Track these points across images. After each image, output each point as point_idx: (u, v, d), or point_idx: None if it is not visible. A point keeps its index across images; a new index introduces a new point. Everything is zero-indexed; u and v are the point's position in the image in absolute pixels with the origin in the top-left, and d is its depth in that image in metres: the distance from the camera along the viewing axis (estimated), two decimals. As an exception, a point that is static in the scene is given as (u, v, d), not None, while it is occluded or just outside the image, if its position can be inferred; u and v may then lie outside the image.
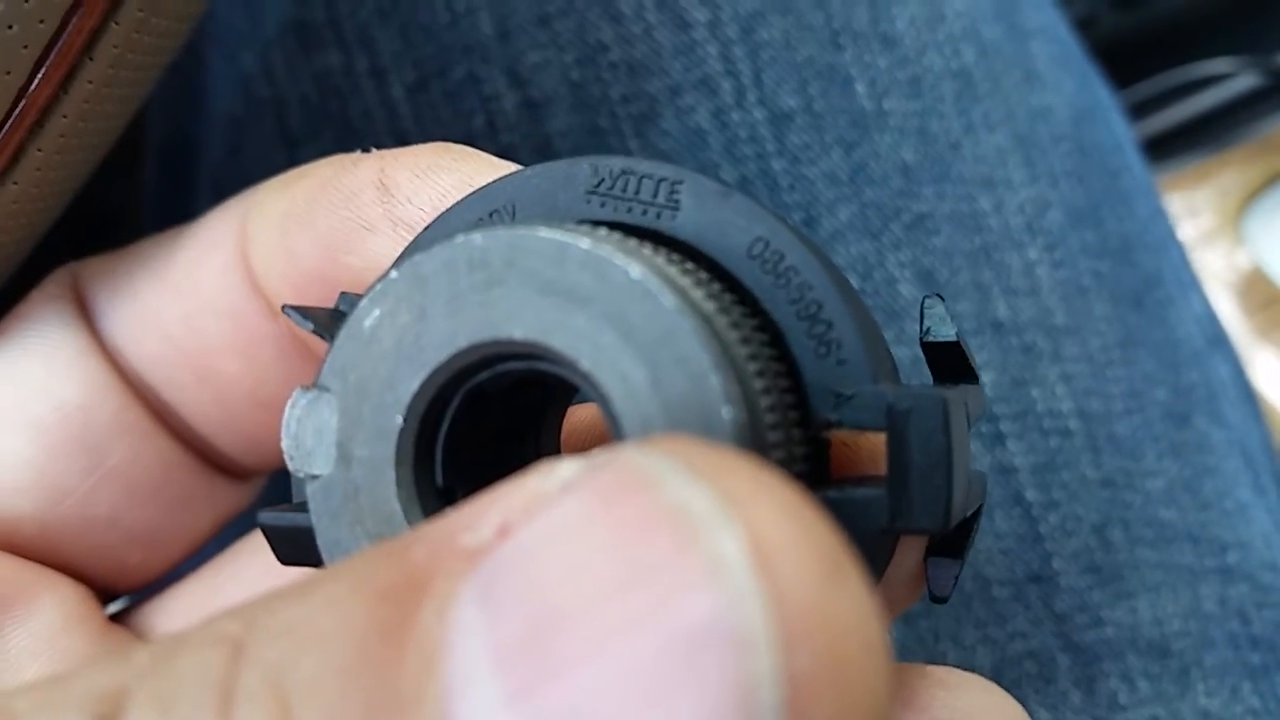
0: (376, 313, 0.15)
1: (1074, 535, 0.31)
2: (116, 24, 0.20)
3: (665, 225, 0.16)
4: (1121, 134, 0.38)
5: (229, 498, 0.24)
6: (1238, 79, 0.68)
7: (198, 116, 0.38)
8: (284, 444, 0.15)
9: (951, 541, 0.17)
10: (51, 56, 0.19)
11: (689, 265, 0.16)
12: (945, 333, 0.17)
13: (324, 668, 0.11)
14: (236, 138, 0.35)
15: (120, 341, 0.22)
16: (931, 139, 0.33)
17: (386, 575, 0.11)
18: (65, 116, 0.20)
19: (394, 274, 0.15)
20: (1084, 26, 0.39)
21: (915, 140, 0.32)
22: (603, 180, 0.17)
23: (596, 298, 0.14)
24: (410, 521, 0.15)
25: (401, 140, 0.33)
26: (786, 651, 0.10)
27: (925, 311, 0.17)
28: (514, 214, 0.17)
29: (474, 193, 0.17)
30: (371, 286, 0.15)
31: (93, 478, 0.22)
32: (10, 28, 0.19)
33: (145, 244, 0.23)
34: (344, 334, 0.15)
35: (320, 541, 0.15)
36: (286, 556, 0.17)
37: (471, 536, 0.12)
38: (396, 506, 0.15)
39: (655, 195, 0.16)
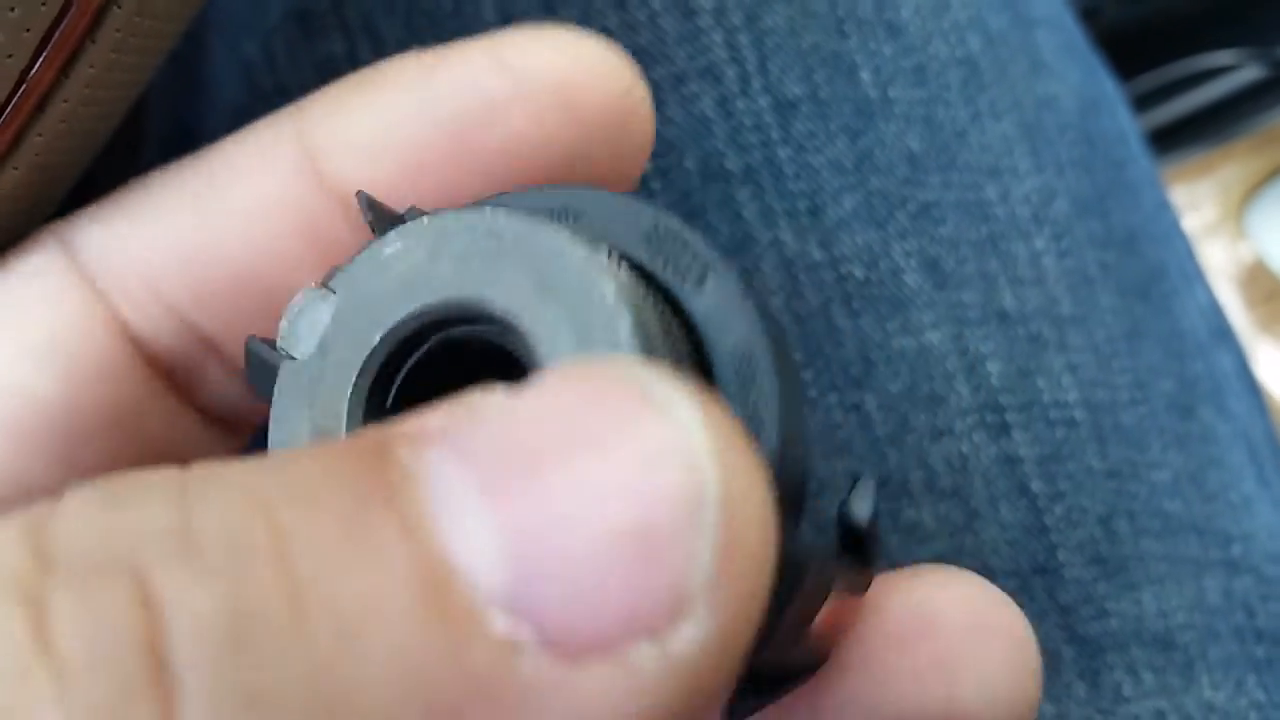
0: (399, 244, 0.17)
1: (1079, 526, 0.31)
2: (119, 7, 0.20)
3: (684, 295, 0.18)
4: (1127, 125, 0.38)
5: (219, 444, 0.24)
6: (1241, 71, 0.68)
7: (200, 106, 0.38)
8: (280, 324, 0.17)
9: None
10: (54, 40, 0.19)
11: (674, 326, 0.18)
12: (860, 514, 0.19)
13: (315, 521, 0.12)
14: (238, 126, 0.35)
15: (158, 284, 0.21)
16: (937, 127, 0.32)
17: (356, 455, 0.13)
18: (66, 101, 0.20)
19: (425, 219, 0.17)
20: (1087, 18, 0.39)
21: (921, 128, 0.32)
22: (656, 229, 0.18)
23: (570, 300, 0.16)
24: (349, 425, 0.17)
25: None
26: (725, 474, 0.12)
27: (855, 488, 0.19)
28: (570, 219, 0.19)
29: (552, 188, 0.19)
30: (408, 222, 0.17)
31: (82, 416, 0.21)
32: (12, 10, 0.19)
33: (156, 176, 0.22)
34: (366, 251, 0.17)
35: (273, 410, 0.17)
36: (252, 380, 0.18)
37: (414, 427, 0.13)
38: (344, 408, 0.17)
39: (689, 268, 0.18)
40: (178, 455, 0.22)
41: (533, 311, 0.16)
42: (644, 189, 0.31)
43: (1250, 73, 0.68)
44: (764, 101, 0.31)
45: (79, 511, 0.12)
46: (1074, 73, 0.36)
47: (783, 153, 0.31)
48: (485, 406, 0.13)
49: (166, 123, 0.39)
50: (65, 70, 0.20)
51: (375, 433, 0.13)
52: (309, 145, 0.21)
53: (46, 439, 0.20)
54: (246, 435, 0.24)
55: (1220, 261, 0.66)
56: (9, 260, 0.22)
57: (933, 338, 0.31)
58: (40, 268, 0.21)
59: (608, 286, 0.16)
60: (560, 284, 0.16)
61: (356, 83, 0.21)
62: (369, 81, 0.21)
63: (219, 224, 0.21)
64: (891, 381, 0.30)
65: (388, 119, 0.20)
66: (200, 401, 0.22)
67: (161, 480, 0.13)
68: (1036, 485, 0.31)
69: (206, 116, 0.37)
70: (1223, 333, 0.38)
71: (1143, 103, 0.67)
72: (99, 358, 0.21)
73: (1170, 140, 0.67)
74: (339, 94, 0.21)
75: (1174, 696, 0.30)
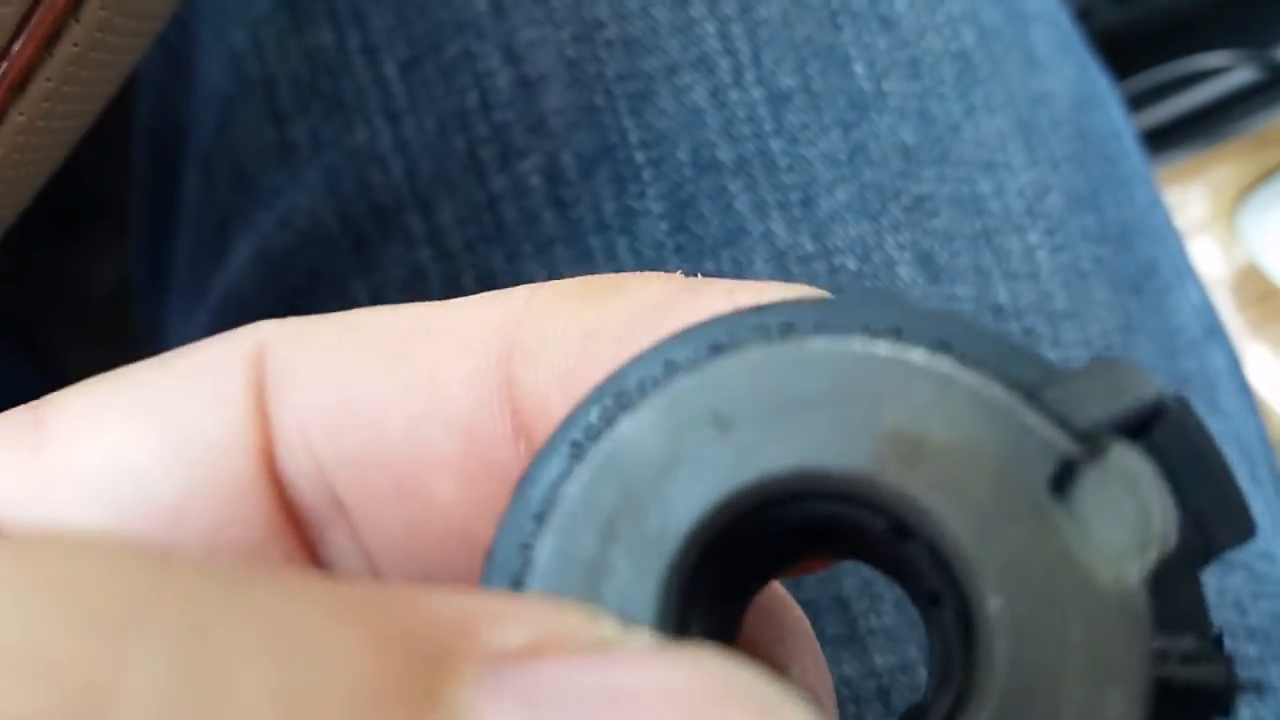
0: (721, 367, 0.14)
1: None
2: (102, -16, 0.19)
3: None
4: (1120, 122, 0.38)
5: None
6: (1234, 73, 0.68)
7: (187, 97, 0.37)
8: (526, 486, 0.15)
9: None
10: (35, 15, 0.19)
11: None
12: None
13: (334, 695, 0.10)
14: (225, 116, 0.35)
15: (310, 427, 0.18)
16: (931, 121, 0.32)
17: (405, 624, 0.11)
18: (49, 79, 0.20)
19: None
20: (1080, 19, 0.39)
21: (915, 122, 0.32)
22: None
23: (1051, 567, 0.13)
24: (658, 618, 0.14)
25: (392, 117, 0.32)
26: None
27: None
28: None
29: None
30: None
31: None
32: (-8, -14, 0.18)
33: (364, 317, 0.19)
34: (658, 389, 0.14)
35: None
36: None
37: (498, 633, 0.11)
38: (650, 595, 0.14)
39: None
40: None
41: (979, 527, 0.13)
42: (635, 182, 0.31)
43: (1243, 74, 0.68)
44: (757, 93, 0.31)
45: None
46: (1068, 68, 0.36)
47: (776, 144, 0.31)
48: (584, 656, 0.11)
49: (154, 113, 0.39)
50: (48, 48, 0.19)
51: (442, 615, 0.11)
52: (511, 347, 0.18)
53: (150, 538, 0.18)
54: None
55: (1211, 263, 0.66)
56: (208, 340, 0.20)
57: None
58: (225, 360, 0.19)
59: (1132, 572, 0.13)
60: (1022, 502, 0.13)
61: (581, 287, 0.18)
62: (605, 288, 0.18)
63: (398, 393, 0.18)
64: None
65: (622, 332, 0.17)
66: (322, 562, 0.20)
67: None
68: None
69: (194, 107, 0.36)
70: (1215, 331, 0.38)
71: (1135, 104, 0.67)
72: (236, 482, 0.18)
73: (1163, 141, 0.67)
74: (552, 295, 0.18)
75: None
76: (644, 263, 0.31)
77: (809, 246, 0.31)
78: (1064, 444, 0.13)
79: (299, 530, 0.19)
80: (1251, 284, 0.65)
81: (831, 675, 0.28)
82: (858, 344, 0.14)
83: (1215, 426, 0.35)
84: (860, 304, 0.15)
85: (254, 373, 0.19)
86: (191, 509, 0.18)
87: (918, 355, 0.14)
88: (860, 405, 0.13)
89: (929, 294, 0.31)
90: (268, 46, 0.34)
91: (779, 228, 0.31)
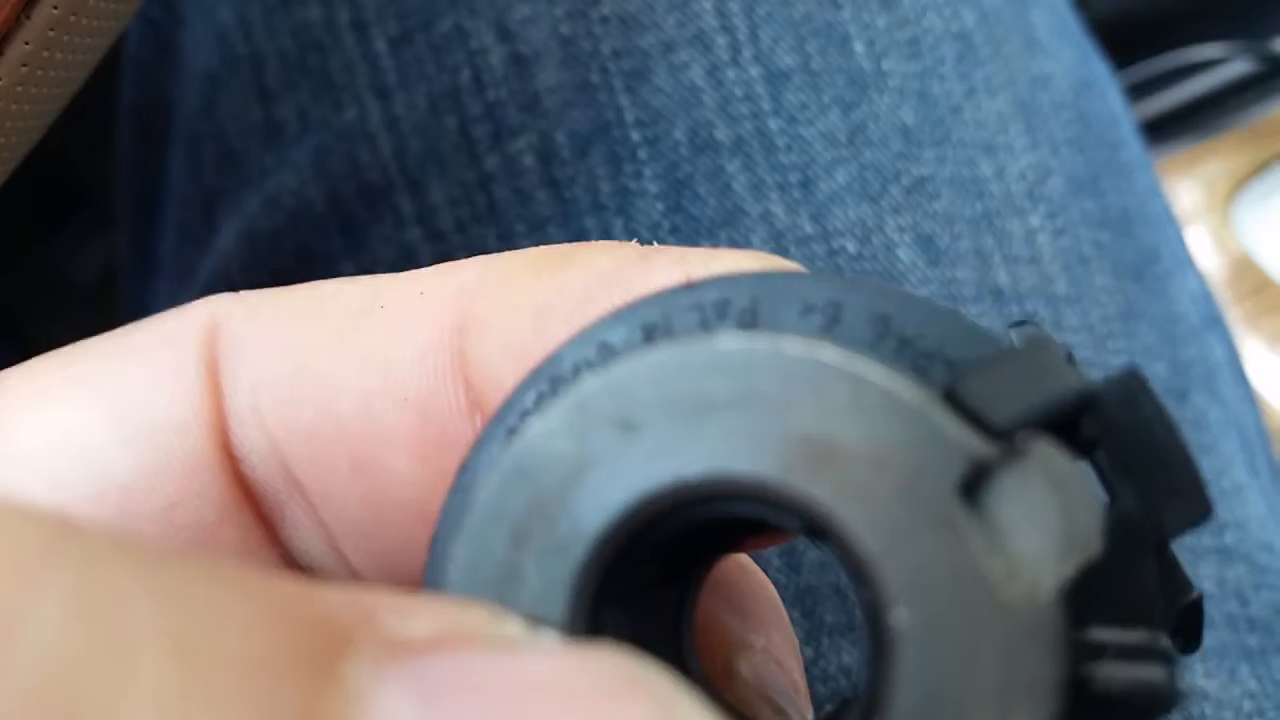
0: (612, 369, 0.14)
1: None
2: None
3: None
4: (1119, 108, 0.38)
5: None
6: (1230, 65, 0.68)
7: (173, 77, 0.37)
8: (464, 468, 0.15)
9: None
10: (13, -25, 0.18)
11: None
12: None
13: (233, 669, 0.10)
14: (211, 95, 0.34)
15: (263, 403, 0.18)
16: (932, 101, 0.32)
17: (306, 606, 0.11)
18: (27, 43, 0.19)
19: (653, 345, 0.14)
20: (1077, 9, 0.39)
21: (915, 102, 0.31)
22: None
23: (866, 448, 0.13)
24: (570, 620, 0.14)
25: (382, 95, 0.32)
26: None
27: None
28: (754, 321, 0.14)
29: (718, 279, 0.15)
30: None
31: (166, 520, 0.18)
32: (-32, -57, 0.18)
33: (320, 290, 0.19)
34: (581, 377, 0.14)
35: (445, 536, 0.14)
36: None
37: (398, 624, 0.11)
38: (560, 596, 0.14)
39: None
40: None
41: (886, 535, 0.12)
42: (631, 161, 0.30)
43: (1239, 66, 0.67)
44: (755, 71, 0.31)
45: None
46: (1068, 53, 0.36)
47: (774, 124, 0.30)
48: (485, 650, 0.11)
49: (139, 92, 0.38)
50: (25, 10, 0.19)
51: (341, 606, 0.11)
52: (464, 322, 0.18)
53: (102, 517, 0.18)
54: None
55: (1207, 255, 0.65)
56: (158, 315, 0.19)
57: None
58: (176, 338, 0.19)
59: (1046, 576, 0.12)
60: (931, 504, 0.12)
61: (530, 259, 0.18)
62: (555, 259, 0.18)
63: (351, 369, 0.18)
64: None
65: (572, 306, 0.17)
66: (282, 540, 0.20)
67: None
68: None
69: (180, 86, 0.36)
70: (1214, 319, 0.37)
71: (1132, 95, 0.67)
72: (189, 459, 0.18)
73: (1158, 133, 0.67)
74: (502, 267, 0.18)
75: (1170, 683, 0.30)
76: (640, 243, 0.30)
77: (808, 228, 0.30)
78: (976, 445, 0.13)
79: (255, 507, 0.19)
80: (1246, 276, 0.65)
81: (831, 664, 0.28)
82: (769, 341, 0.13)
83: (1215, 415, 0.34)
84: (796, 280, 0.14)
85: (207, 348, 0.18)
86: (143, 487, 0.18)
87: (831, 354, 0.13)
88: (770, 407, 0.13)
89: (929, 276, 0.30)
90: (255, 23, 0.33)
91: (777, 209, 0.30)
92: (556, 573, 0.13)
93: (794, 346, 0.13)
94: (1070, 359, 0.14)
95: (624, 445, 0.13)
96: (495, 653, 0.11)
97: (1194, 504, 0.13)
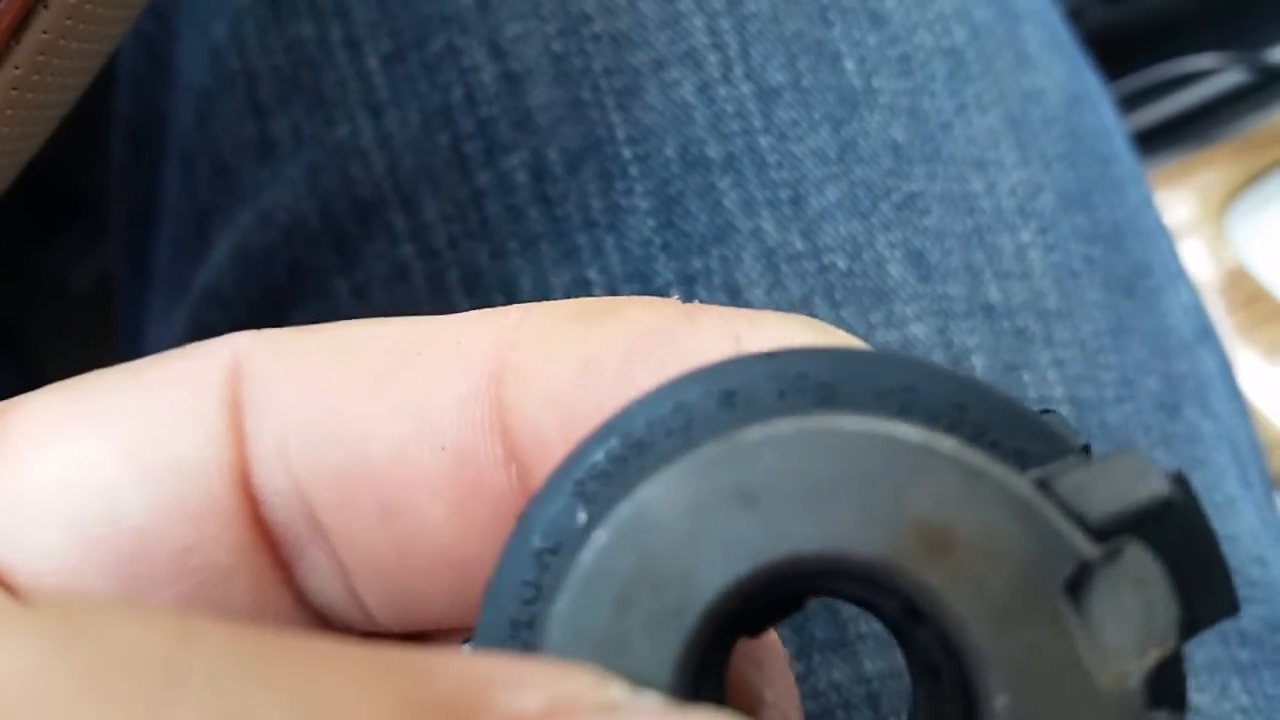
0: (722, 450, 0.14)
1: None
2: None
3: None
4: (1111, 122, 0.38)
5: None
6: (1223, 75, 0.68)
7: (167, 91, 0.37)
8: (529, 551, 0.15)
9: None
10: (1, 1, 0.18)
11: None
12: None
13: None
14: (205, 110, 0.34)
15: (291, 445, 0.18)
16: (922, 118, 0.32)
17: (427, 690, 0.11)
18: (17, 68, 0.19)
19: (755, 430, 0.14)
20: (1071, 20, 0.39)
21: (906, 119, 0.32)
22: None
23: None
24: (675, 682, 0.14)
25: (375, 111, 0.32)
26: None
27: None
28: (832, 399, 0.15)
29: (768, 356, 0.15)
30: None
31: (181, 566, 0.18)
32: (-42, -31, 0.18)
33: (349, 331, 0.18)
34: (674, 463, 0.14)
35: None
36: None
37: (512, 698, 0.12)
38: (667, 664, 0.14)
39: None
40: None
41: (995, 625, 0.13)
42: (623, 178, 0.30)
43: (1233, 76, 0.67)
44: (746, 88, 0.31)
45: None
46: (1060, 68, 0.36)
47: (765, 141, 0.30)
48: (593, 716, 0.12)
49: (133, 106, 0.38)
50: (15, 34, 0.19)
51: (458, 682, 0.11)
52: (503, 370, 0.17)
53: (115, 557, 0.17)
54: (340, 632, 0.20)
55: (1201, 266, 0.66)
56: (181, 349, 0.19)
57: (917, 330, 0.30)
58: (199, 374, 0.18)
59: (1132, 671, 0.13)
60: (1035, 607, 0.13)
61: (575, 311, 0.18)
62: (597, 311, 0.17)
63: (384, 413, 0.17)
64: None
65: (618, 362, 0.17)
66: (297, 582, 0.19)
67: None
68: None
69: (174, 100, 0.36)
70: (1206, 332, 0.37)
71: (1125, 105, 0.67)
72: (207, 502, 0.18)
73: (1152, 143, 0.67)
74: (545, 318, 0.17)
75: (1160, 699, 0.30)
76: (631, 260, 0.30)
77: (798, 245, 0.30)
78: (1084, 546, 0.13)
79: (273, 551, 0.18)
80: (1240, 287, 0.65)
81: (821, 680, 0.28)
82: (882, 425, 0.14)
83: (1208, 429, 0.34)
84: (873, 361, 0.15)
85: (230, 387, 0.18)
86: (159, 529, 0.17)
87: (946, 444, 0.14)
88: (886, 490, 0.13)
89: (920, 292, 0.30)
90: (248, 39, 0.33)
91: (768, 225, 0.30)
92: (665, 640, 0.13)
93: (909, 432, 0.14)
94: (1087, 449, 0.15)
95: (742, 516, 0.14)
96: (603, 717, 0.12)
97: (1226, 602, 0.15)
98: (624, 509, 0.14)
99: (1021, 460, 0.14)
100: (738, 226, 0.30)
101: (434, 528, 0.17)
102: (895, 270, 0.30)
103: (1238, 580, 0.32)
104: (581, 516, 0.15)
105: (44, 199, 0.60)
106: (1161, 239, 0.37)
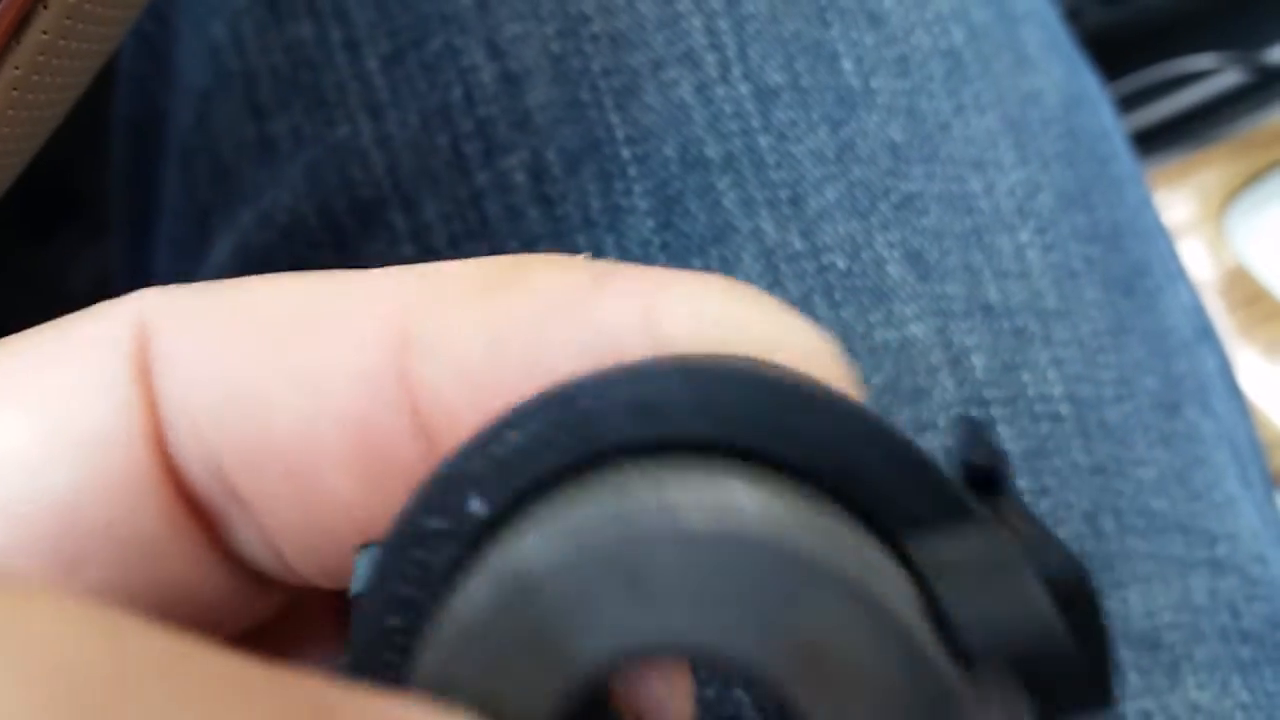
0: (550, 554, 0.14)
1: (1064, 523, 0.30)
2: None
3: None
4: (1110, 122, 0.38)
5: (254, 605, 0.20)
6: (1222, 75, 0.68)
7: (167, 91, 0.37)
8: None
9: None
10: (1, 2, 0.18)
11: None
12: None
13: None
14: (204, 110, 0.34)
15: (198, 417, 0.17)
16: (920, 118, 0.32)
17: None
18: (18, 68, 0.19)
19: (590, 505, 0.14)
20: (1069, 20, 0.39)
21: (904, 119, 0.32)
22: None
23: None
24: None
25: (374, 112, 0.32)
26: None
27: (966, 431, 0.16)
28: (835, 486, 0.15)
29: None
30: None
31: (109, 543, 0.18)
32: (-43, -31, 0.18)
33: (251, 293, 0.18)
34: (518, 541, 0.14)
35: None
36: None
37: None
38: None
39: None
40: (197, 596, 0.19)
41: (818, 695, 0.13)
42: (621, 178, 0.30)
43: (1231, 76, 0.67)
44: (744, 89, 0.31)
45: None
46: (1058, 68, 0.36)
47: (763, 141, 0.31)
48: None
49: (133, 106, 0.38)
50: (15, 35, 0.19)
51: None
52: (410, 343, 0.17)
53: (39, 535, 0.17)
54: (278, 593, 0.20)
55: (1201, 266, 0.66)
56: (85, 313, 0.18)
57: (916, 330, 0.30)
58: (108, 340, 0.18)
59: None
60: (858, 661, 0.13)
61: (477, 279, 0.17)
62: (500, 280, 0.17)
63: (285, 386, 0.17)
64: (874, 374, 0.30)
65: (526, 335, 0.16)
66: (227, 549, 0.19)
67: None
68: (1021, 480, 0.30)
69: (173, 100, 0.36)
70: (1206, 332, 0.37)
71: (1124, 105, 0.67)
72: (128, 472, 0.17)
73: (1151, 143, 0.67)
74: (448, 284, 0.17)
75: (1160, 697, 0.30)
76: (631, 260, 0.30)
77: (798, 245, 0.30)
78: (954, 679, 0.13)
79: (198, 515, 0.18)
80: (1240, 286, 0.65)
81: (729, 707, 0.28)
82: (776, 521, 0.13)
83: (1208, 428, 0.34)
84: (771, 403, 0.14)
85: (139, 354, 0.18)
86: (82, 504, 0.17)
87: (836, 555, 0.13)
88: (773, 600, 0.13)
89: (918, 292, 0.31)
90: (247, 39, 0.33)
91: (767, 225, 0.30)
92: (538, 701, 0.13)
93: (802, 538, 0.13)
94: (1040, 529, 0.15)
95: (626, 599, 0.13)
96: None
97: (1102, 700, 0.14)
98: (509, 558, 0.14)
99: (909, 520, 0.14)
100: (737, 226, 0.30)
101: (344, 501, 0.17)
102: (894, 270, 0.30)
103: (1238, 579, 0.33)
104: (476, 505, 0.14)
105: (43, 199, 0.60)
106: (1160, 239, 0.37)
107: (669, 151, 0.30)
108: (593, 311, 0.16)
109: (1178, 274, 0.37)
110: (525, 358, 0.16)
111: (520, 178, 0.31)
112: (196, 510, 0.18)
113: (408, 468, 0.17)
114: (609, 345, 0.16)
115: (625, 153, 0.30)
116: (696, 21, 0.31)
